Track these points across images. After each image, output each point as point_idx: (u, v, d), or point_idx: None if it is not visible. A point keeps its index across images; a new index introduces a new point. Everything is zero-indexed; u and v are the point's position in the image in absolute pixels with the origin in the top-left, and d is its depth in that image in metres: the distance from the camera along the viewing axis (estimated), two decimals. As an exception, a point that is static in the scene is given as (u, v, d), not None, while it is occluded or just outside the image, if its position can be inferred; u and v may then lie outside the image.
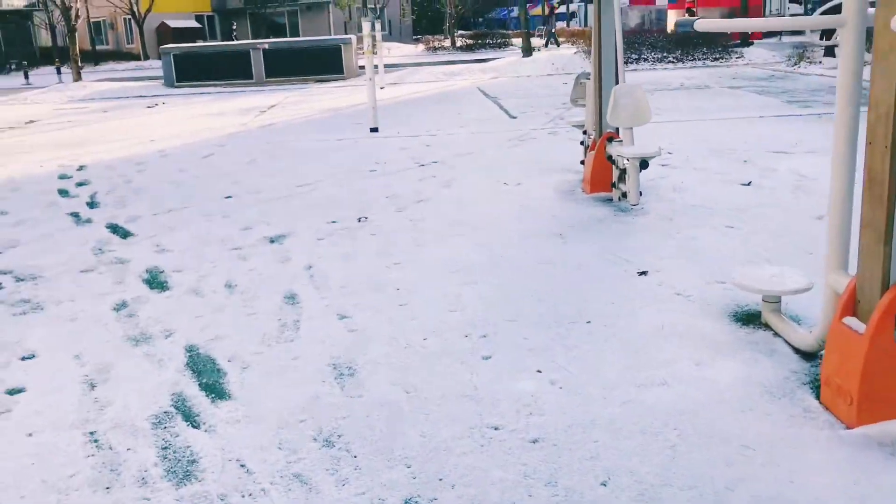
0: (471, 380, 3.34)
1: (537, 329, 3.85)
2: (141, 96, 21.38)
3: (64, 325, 4.23)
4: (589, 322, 3.92)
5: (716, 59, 23.12)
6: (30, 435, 3.04)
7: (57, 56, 33.81)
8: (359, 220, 6.28)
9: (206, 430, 3.01)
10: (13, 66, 39.19)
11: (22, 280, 5.07)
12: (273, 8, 45.10)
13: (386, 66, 22.58)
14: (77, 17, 24.68)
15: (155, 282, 4.91)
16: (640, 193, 6.06)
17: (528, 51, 25.83)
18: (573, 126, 7.79)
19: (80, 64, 25.22)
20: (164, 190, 7.94)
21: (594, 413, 3.01)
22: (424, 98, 17.15)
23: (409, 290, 4.53)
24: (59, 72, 32.01)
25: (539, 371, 3.39)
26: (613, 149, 6.23)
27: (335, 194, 7.37)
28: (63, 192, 8.06)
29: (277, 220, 6.43)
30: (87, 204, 7.42)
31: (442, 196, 7.06)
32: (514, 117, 12.76)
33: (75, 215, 6.96)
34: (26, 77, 34.07)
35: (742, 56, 23.32)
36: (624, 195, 6.18)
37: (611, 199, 6.43)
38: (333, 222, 6.25)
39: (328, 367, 3.54)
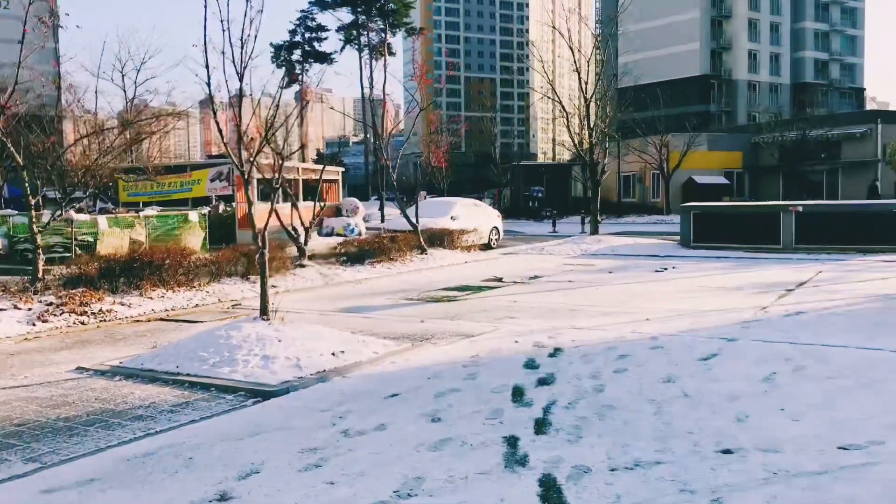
0: None
1: None
2: (653, 255, 20.04)
3: None
4: None
5: None
6: None
7: (583, 208, 35.17)
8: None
9: None
10: (547, 214, 42.23)
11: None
12: (811, 166, 41.36)
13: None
14: (603, 172, 24.86)
15: None
16: None
17: None
18: None
19: (599, 218, 25.21)
20: (638, 415, 5.71)
21: None
22: None
23: None
24: (583, 222, 33.08)
25: None
26: None
27: (912, 485, 4.29)
28: (517, 394, 6.38)
29: (806, 535, 3.67)
30: (535, 424, 5.55)
31: None
32: None
33: (512, 444, 5.11)
34: (554, 226, 36.12)
35: None
36: None
37: None
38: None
39: None
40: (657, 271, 16.15)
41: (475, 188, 68.48)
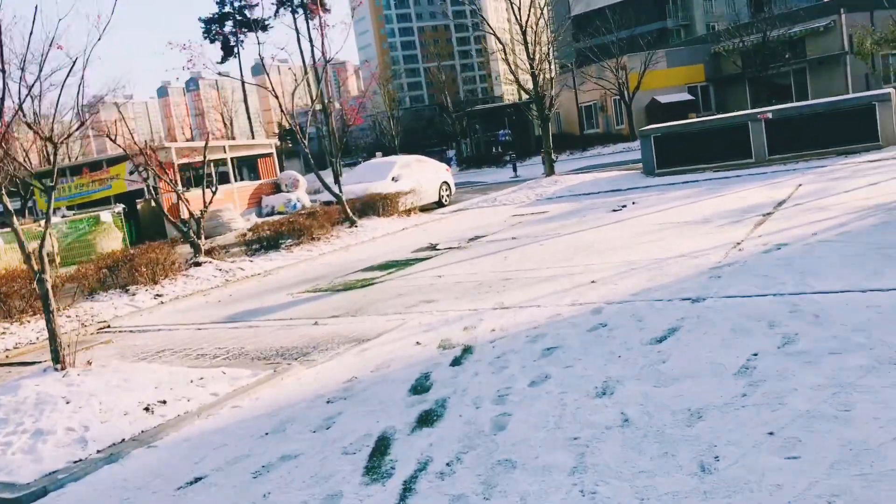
0: None
1: None
2: (613, 191, 17.93)
3: None
4: None
5: None
6: None
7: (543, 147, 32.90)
8: None
9: None
10: (507, 159, 39.84)
11: None
12: (776, 69, 39.01)
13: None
14: (552, 105, 22.53)
15: None
16: None
17: None
18: None
19: (554, 156, 22.99)
20: (546, 480, 3.60)
21: None
22: None
23: None
24: (543, 162, 30.89)
25: None
26: None
27: None
28: (378, 454, 4.25)
29: None
30: (378, 522, 3.44)
31: None
32: None
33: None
34: (514, 170, 33.81)
35: None
36: None
37: None
38: None
39: None
40: (614, 210, 14.02)
41: (440, 142, 65.48)
